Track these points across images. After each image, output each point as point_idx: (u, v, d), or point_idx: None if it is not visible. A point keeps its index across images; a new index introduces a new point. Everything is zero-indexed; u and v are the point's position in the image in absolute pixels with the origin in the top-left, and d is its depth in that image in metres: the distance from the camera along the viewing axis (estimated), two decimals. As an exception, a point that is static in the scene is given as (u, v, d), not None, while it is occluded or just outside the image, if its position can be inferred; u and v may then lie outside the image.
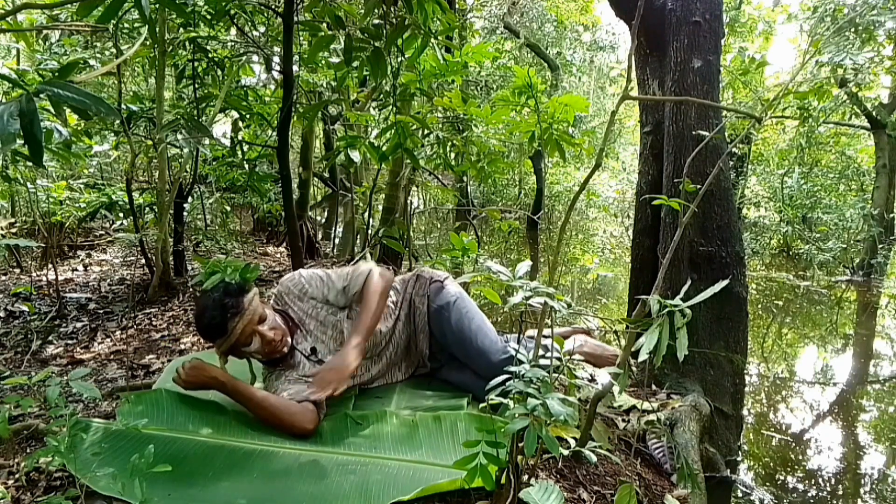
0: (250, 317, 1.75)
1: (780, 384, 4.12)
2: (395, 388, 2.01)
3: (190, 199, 4.10)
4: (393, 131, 2.77)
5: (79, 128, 3.03)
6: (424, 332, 2.06)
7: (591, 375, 1.56)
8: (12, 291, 3.38)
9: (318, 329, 1.90)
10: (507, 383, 1.24)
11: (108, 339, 2.66)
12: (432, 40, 2.44)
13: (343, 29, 2.24)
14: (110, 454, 1.47)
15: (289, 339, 1.85)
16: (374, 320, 1.82)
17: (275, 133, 3.49)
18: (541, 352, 1.43)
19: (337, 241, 6.94)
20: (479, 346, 1.92)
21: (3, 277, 3.91)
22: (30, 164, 3.28)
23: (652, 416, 2.11)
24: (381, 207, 4.40)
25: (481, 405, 1.86)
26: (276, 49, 3.32)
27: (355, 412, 1.76)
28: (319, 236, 6.81)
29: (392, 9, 2.32)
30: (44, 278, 3.72)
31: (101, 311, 3.06)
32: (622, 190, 15.47)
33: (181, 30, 3.07)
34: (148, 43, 2.87)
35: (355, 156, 2.78)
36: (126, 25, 3.19)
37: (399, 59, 2.77)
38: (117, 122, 2.97)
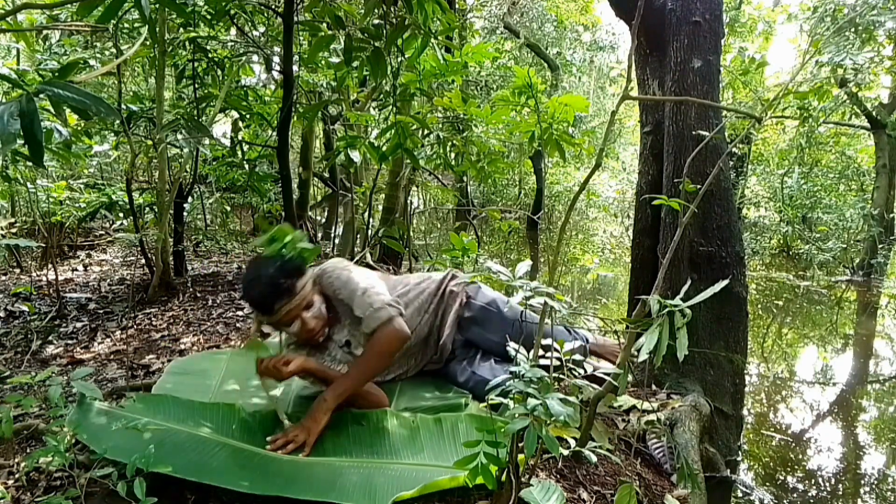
0: (298, 302, 1.72)
1: (780, 384, 4.12)
2: (395, 388, 2.01)
3: (190, 199, 4.10)
4: (393, 131, 2.77)
5: (79, 128, 3.03)
6: (452, 328, 2.06)
7: (591, 373, 1.56)
8: (12, 291, 3.38)
9: (355, 324, 1.86)
10: (507, 383, 1.24)
11: (108, 339, 2.66)
12: (432, 40, 2.44)
13: (343, 29, 2.24)
14: (111, 453, 1.47)
15: (327, 330, 1.84)
16: (361, 382, 1.73)
17: (275, 133, 3.49)
18: (541, 352, 1.43)
19: (337, 241, 6.94)
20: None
21: (3, 277, 3.91)
22: (30, 164, 3.28)
23: (652, 416, 2.11)
24: (381, 207, 4.40)
25: (481, 405, 1.86)
26: (276, 49, 3.32)
27: (357, 413, 1.76)
28: (319, 236, 6.82)
29: (392, 9, 2.32)
30: (44, 278, 3.72)
31: (101, 311, 3.06)
32: (622, 190, 15.47)
33: (181, 30, 3.07)
34: (148, 43, 2.87)
35: (355, 156, 2.78)
36: (126, 25, 3.19)
37: (399, 59, 2.77)
38: (117, 122, 2.97)
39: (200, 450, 1.52)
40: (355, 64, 2.36)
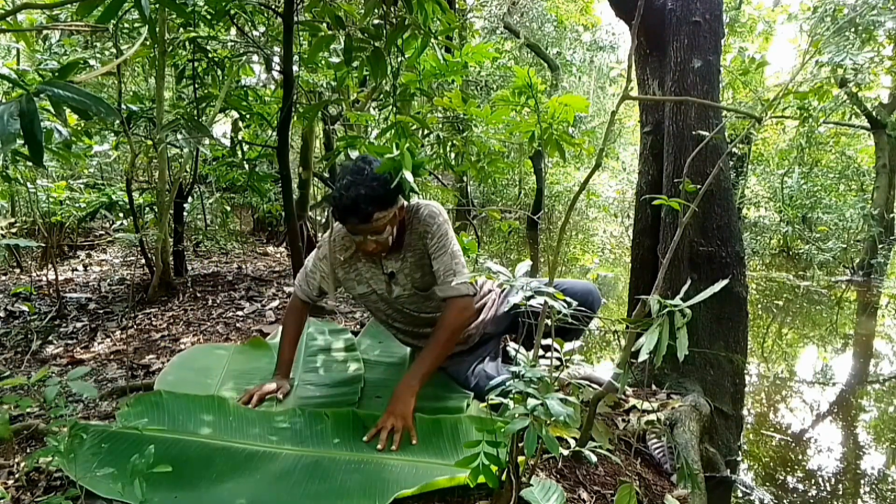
0: (390, 219, 1.73)
1: (780, 384, 4.12)
2: (395, 388, 2.01)
3: (190, 199, 4.10)
4: (393, 131, 2.76)
5: (79, 128, 3.02)
6: (486, 318, 2.08)
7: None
8: (12, 291, 3.38)
9: (413, 266, 1.87)
10: (507, 383, 1.24)
11: (108, 339, 2.66)
12: (432, 40, 2.44)
13: (343, 29, 2.24)
14: (109, 456, 1.47)
15: (406, 238, 1.86)
16: (440, 358, 1.78)
17: (275, 133, 3.49)
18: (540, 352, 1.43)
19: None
20: None
21: (3, 277, 3.91)
22: (30, 164, 3.28)
23: (652, 416, 2.11)
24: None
25: (482, 405, 1.86)
26: (276, 49, 3.32)
27: (360, 412, 1.76)
28: (319, 236, 6.81)
29: (392, 9, 2.32)
30: (44, 278, 3.71)
31: (101, 311, 3.06)
32: (622, 190, 15.47)
33: (181, 30, 3.06)
34: (148, 43, 2.87)
35: (355, 156, 2.77)
36: (126, 25, 3.19)
37: (399, 59, 2.77)
38: (117, 122, 2.97)
39: (201, 461, 1.52)
40: (355, 64, 2.35)
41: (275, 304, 3.13)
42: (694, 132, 2.75)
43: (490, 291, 2.12)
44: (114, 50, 3.19)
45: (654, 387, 2.63)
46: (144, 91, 4.54)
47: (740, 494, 2.44)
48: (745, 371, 3.01)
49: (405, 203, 1.81)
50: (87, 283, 3.67)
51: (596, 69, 16.91)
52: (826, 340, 5.41)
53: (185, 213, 3.76)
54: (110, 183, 5.15)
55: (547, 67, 12.18)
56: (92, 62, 3.32)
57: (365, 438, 1.62)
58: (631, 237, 3.28)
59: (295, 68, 3.04)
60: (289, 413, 1.74)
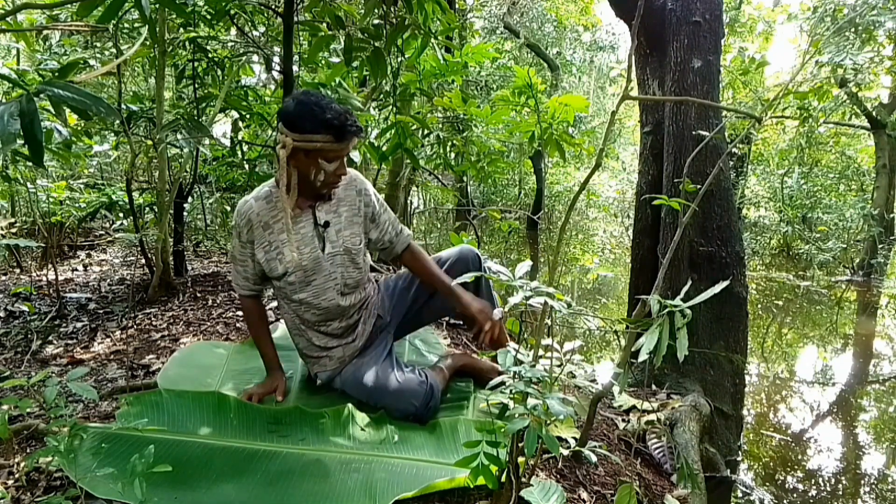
0: (356, 144, 1.80)
1: (780, 384, 4.12)
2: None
3: (190, 199, 4.10)
4: (393, 131, 2.77)
5: (79, 128, 3.02)
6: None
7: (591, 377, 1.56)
8: (12, 291, 3.38)
9: (346, 221, 1.86)
10: (507, 383, 1.24)
11: (108, 339, 2.66)
12: (432, 40, 2.45)
13: (343, 29, 2.24)
14: (109, 456, 1.47)
15: (337, 192, 1.85)
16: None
17: (275, 133, 3.48)
18: (541, 352, 1.43)
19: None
20: None
21: (3, 277, 3.91)
22: (30, 164, 3.28)
23: (652, 416, 2.11)
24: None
25: (482, 405, 1.86)
26: (276, 49, 3.32)
27: (360, 412, 1.76)
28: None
29: (392, 9, 2.32)
30: (44, 278, 3.71)
31: (101, 311, 3.06)
32: (622, 190, 15.48)
33: (181, 30, 3.06)
34: (148, 43, 2.86)
35: (355, 156, 2.78)
36: (126, 25, 3.19)
37: (399, 59, 2.77)
38: (117, 122, 2.97)
39: (201, 461, 1.52)
40: (355, 64, 2.36)
41: (274, 304, 3.13)
42: (694, 132, 2.75)
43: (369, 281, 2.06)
44: (114, 50, 3.19)
45: (654, 387, 2.63)
46: (144, 91, 4.54)
47: (740, 494, 2.44)
48: (745, 371, 3.01)
49: None
50: (87, 283, 3.67)
51: (596, 69, 16.92)
52: (826, 340, 5.41)
53: (185, 213, 3.75)
54: (110, 183, 5.15)
55: (547, 67, 12.19)
56: (92, 62, 3.31)
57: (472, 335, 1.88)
58: (631, 237, 3.28)
59: (295, 68, 3.04)
60: (289, 413, 1.75)
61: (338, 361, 1.91)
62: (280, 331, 2.32)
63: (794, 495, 2.67)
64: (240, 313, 2.91)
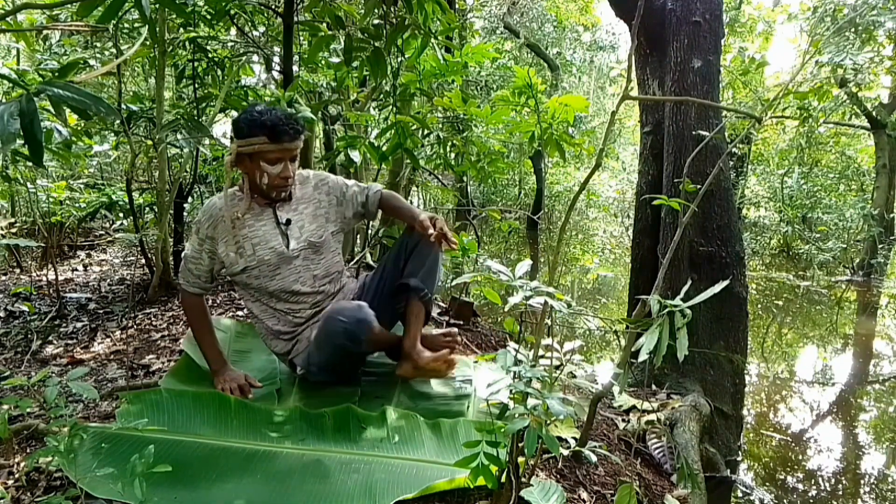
0: (301, 145, 1.83)
1: (780, 384, 4.12)
2: (395, 388, 2.01)
3: (190, 199, 4.10)
4: (393, 131, 2.77)
5: (79, 128, 3.02)
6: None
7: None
8: (12, 291, 3.38)
9: (309, 217, 1.94)
10: (508, 383, 1.24)
11: (108, 339, 2.66)
12: (432, 40, 2.44)
13: (343, 29, 2.24)
14: (109, 456, 1.47)
15: (293, 192, 1.92)
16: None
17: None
18: (541, 352, 1.43)
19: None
20: None
21: (3, 277, 3.91)
22: (30, 164, 3.28)
23: (652, 416, 2.12)
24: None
25: (482, 405, 1.86)
26: (276, 49, 3.32)
27: (360, 411, 1.76)
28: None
29: (392, 9, 2.32)
30: (44, 278, 3.71)
31: (101, 311, 3.06)
32: (622, 190, 15.48)
33: (181, 30, 3.06)
34: (148, 43, 2.86)
35: (355, 156, 2.77)
36: (126, 25, 3.19)
37: (399, 59, 2.77)
38: (117, 122, 2.97)
39: (201, 462, 1.52)
40: (355, 64, 2.36)
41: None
42: (694, 132, 2.75)
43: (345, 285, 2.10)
44: (114, 50, 3.19)
45: (654, 387, 2.63)
46: (144, 91, 4.54)
47: (740, 494, 2.44)
48: (745, 371, 3.01)
49: None
50: (87, 283, 3.67)
51: (596, 69, 16.93)
52: (826, 340, 5.41)
53: (185, 213, 3.75)
54: (110, 183, 5.14)
55: (547, 67, 12.19)
56: (92, 62, 3.31)
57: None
58: (631, 237, 3.28)
59: (295, 68, 3.04)
60: (289, 412, 1.75)
61: (307, 341, 1.93)
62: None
63: (794, 495, 2.67)
64: (240, 313, 2.91)
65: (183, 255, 1.97)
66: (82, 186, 4.69)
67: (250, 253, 1.85)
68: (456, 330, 2.14)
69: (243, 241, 1.86)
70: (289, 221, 1.90)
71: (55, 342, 2.64)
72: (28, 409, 1.59)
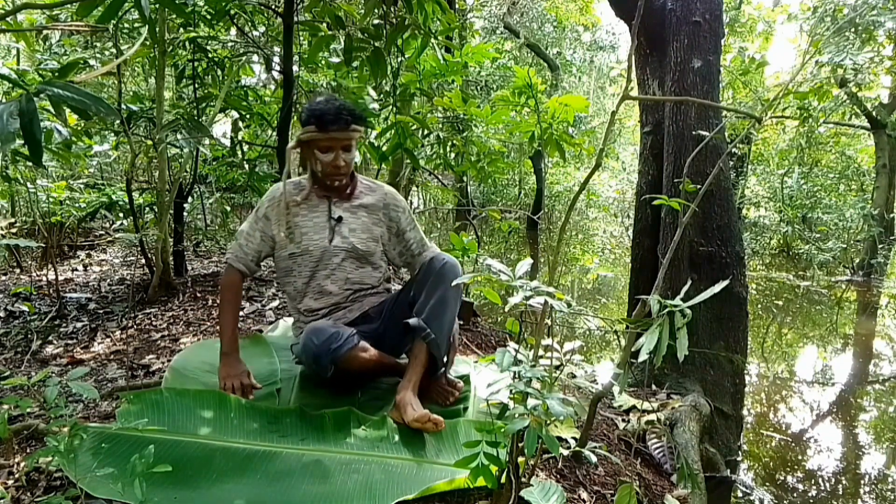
0: (358, 139, 1.87)
1: (780, 384, 4.12)
2: (395, 389, 2.01)
3: (190, 199, 4.10)
4: (393, 131, 2.77)
5: (79, 128, 3.02)
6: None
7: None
8: (12, 291, 3.38)
9: (364, 224, 1.94)
10: (508, 383, 1.24)
11: (108, 339, 2.66)
12: (432, 40, 2.45)
13: (343, 29, 2.24)
14: (110, 456, 1.47)
15: (356, 192, 1.94)
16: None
17: (275, 133, 3.49)
18: (541, 352, 1.43)
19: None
20: None
21: (3, 277, 3.91)
22: (30, 164, 3.28)
23: (652, 416, 2.11)
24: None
25: (482, 405, 1.86)
26: (276, 49, 3.32)
27: (360, 412, 1.76)
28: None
29: (392, 9, 2.32)
30: (44, 278, 3.71)
31: (101, 311, 3.06)
32: (622, 190, 15.48)
33: (181, 30, 3.06)
34: (148, 43, 2.86)
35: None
36: (126, 25, 3.19)
37: (399, 59, 2.77)
38: (117, 122, 2.97)
39: (201, 461, 1.51)
40: (355, 64, 2.36)
41: (275, 304, 3.13)
42: (694, 132, 2.75)
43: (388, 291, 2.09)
44: (114, 50, 3.19)
45: (654, 387, 2.63)
46: (144, 91, 4.54)
47: (740, 494, 2.44)
48: (745, 371, 3.01)
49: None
50: (87, 283, 3.67)
51: (596, 69, 16.93)
52: (826, 340, 5.41)
53: (185, 213, 3.75)
54: (110, 183, 5.14)
55: (547, 67, 12.19)
56: (92, 62, 3.31)
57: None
58: (631, 237, 3.28)
59: (295, 68, 3.04)
60: (289, 413, 1.74)
61: None
62: (280, 330, 2.32)
63: (794, 495, 2.67)
64: (240, 314, 2.91)
65: (238, 230, 2.00)
66: (82, 186, 4.69)
67: (298, 240, 1.89)
68: (462, 384, 1.95)
69: (294, 228, 1.89)
70: (340, 219, 1.91)
71: (55, 342, 2.64)
72: (28, 409, 1.59)
